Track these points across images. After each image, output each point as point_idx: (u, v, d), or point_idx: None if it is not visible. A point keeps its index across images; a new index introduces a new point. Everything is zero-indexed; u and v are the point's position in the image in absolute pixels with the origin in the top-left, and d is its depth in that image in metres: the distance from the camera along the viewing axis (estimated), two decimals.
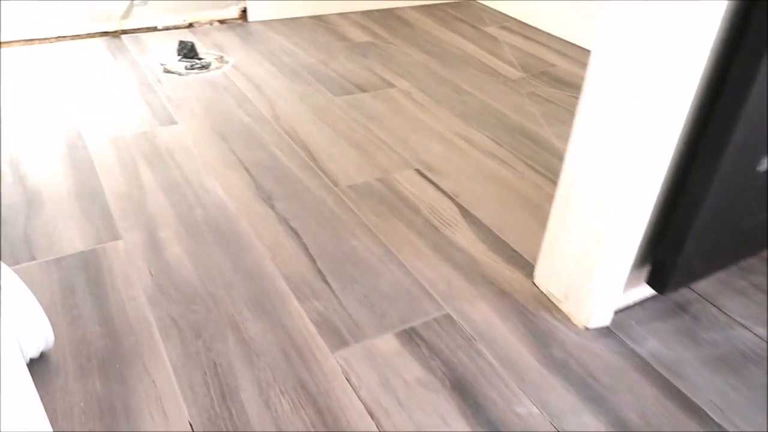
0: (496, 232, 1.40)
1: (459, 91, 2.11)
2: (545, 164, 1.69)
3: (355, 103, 1.95)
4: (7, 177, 1.47)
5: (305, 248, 1.30)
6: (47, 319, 0.95)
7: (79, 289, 1.15)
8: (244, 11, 2.57)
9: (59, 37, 2.25)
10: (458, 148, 1.74)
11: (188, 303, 1.13)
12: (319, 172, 1.56)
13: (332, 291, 1.18)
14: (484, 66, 2.36)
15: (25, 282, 1.15)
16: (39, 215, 1.34)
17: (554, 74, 2.33)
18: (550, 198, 1.53)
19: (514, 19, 2.88)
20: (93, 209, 1.37)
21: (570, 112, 2.01)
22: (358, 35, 2.55)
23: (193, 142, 1.65)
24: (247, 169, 1.55)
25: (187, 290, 1.16)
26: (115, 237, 1.29)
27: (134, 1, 2.31)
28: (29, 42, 2.21)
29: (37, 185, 1.45)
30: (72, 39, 2.27)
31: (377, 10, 2.86)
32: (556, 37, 2.69)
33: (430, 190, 1.53)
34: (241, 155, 1.61)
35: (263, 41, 2.39)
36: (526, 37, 2.67)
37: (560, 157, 1.73)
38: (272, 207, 1.41)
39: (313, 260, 1.27)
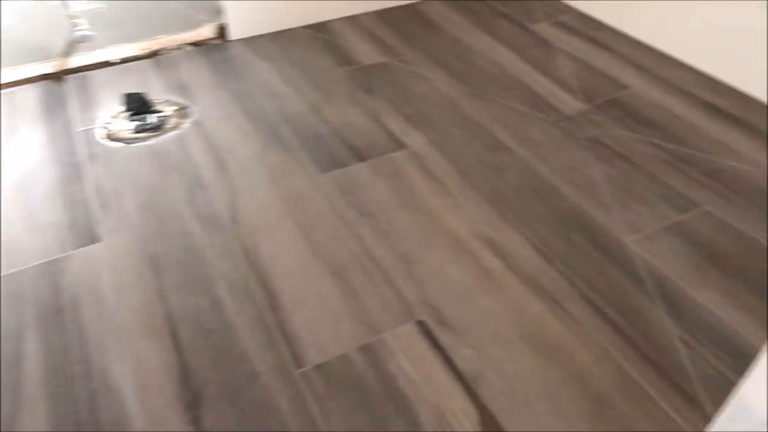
0: None
1: (493, 147, 1.55)
2: (613, 296, 1.14)
3: (348, 185, 1.43)
4: None
5: None
6: None
7: None
8: (223, 29, 2.04)
9: None
10: (486, 272, 1.20)
11: None
12: (277, 336, 1.08)
13: None
14: (531, 94, 1.76)
15: None
16: None
17: (626, 104, 1.71)
18: (625, 383, 0.99)
19: (574, 9, 2.22)
20: None
21: (647, 175, 1.42)
22: (366, 53, 1.98)
23: (112, 281, 1.19)
24: (174, 336, 1.08)
25: None
26: None
27: (75, 35, 1.82)
28: None
29: None
30: (6, 87, 1.82)
31: (395, 8, 2.26)
32: (627, 36, 2.04)
33: (437, 370, 1.02)
34: (173, 304, 1.14)
35: (243, 73, 1.87)
36: (589, 39, 2.03)
37: (636, 279, 1.17)
38: (197, 422, 0.95)
39: None
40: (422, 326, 1.10)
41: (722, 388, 0.99)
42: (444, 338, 1.07)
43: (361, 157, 1.51)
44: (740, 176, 1.45)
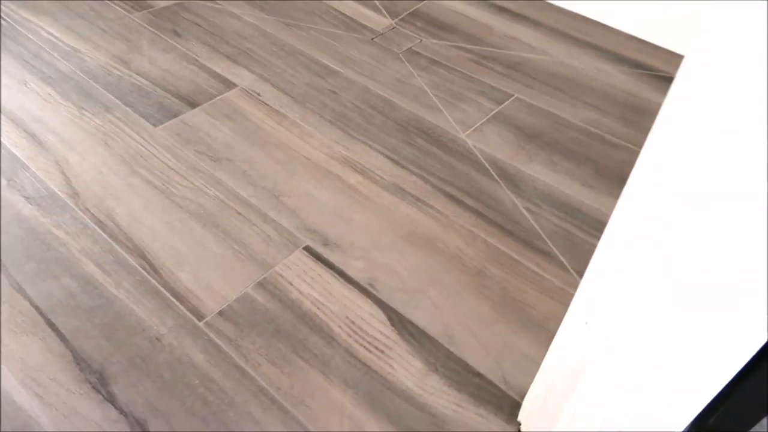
0: (445, 344, 1.01)
1: (321, 73, 1.58)
2: (466, 185, 1.28)
3: (189, 134, 1.36)
4: None
5: None
6: None
7: None
8: None
9: None
10: (351, 188, 1.27)
11: None
12: (169, 297, 1.04)
13: None
14: (341, 16, 1.80)
15: None
16: None
17: (427, 14, 1.84)
18: (493, 254, 1.15)
19: None
20: None
21: (463, 76, 1.58)
22: None
23: None
24: (51, 325, 0.99)
25: None
26: None
27: None
28: None
29: None
30: None
31: None
32: None
33: (336, 285, 1.08)
34: (36, 295, 1.03)
35: (19, 33, 1.63)
36: None
37: (480, 167, 1.33)
38: (112, 401, 0.90)
39: None
40: (309, 251, 1.13)
41: (567, 240, 1.20)
42: (333, 257, 1.13)
43: (192, 104, 1.44)
44: (536, 65, 1.67)
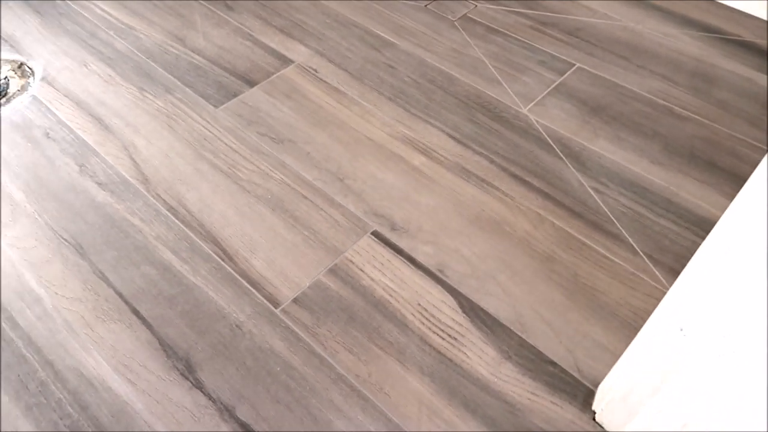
0: (517, 332, 1.02)
1: (376, 45, 1.55)
2: (530, 164, 1.27)
3: (250, 115, 1.36)
4: None
5: None
6: None
7: None
8: None
9: None
10: (416, 170, 1.26)
11: None
12: (245, 284, 1.07)
13: None
14: None
15: None
16: None
17: None
18: (562, 238, 1.14)
19: None
20: None
21: (521, 44, 1.53)
22: None
23: (36, 278, 1.08)
24: (136, 312, 1.03)
25: None
26: None
27: None
28: None
29: None
30: None
31: None
32: None
33: (406, 271, 1.09)
34: (119, 282, 1.07)
35: (73, 11, 1.63)
36: None
37: (544, 144, 1.30)
38: (200, 387, 0.94)
39: None
40: (377, 236, 1.14)
41: (636, 222, 1.18)
42: (401, 242, 1.14)
43: (250, 83, 1.44)
44: (599, 30, 1.61)
